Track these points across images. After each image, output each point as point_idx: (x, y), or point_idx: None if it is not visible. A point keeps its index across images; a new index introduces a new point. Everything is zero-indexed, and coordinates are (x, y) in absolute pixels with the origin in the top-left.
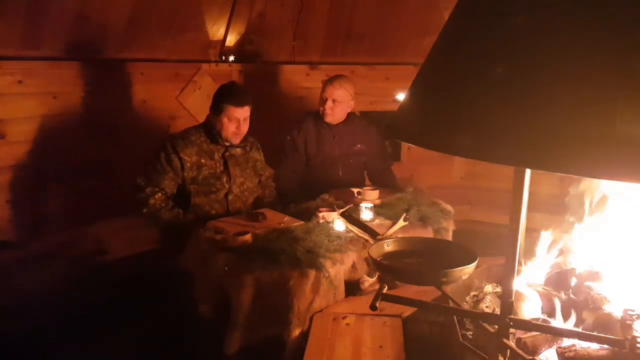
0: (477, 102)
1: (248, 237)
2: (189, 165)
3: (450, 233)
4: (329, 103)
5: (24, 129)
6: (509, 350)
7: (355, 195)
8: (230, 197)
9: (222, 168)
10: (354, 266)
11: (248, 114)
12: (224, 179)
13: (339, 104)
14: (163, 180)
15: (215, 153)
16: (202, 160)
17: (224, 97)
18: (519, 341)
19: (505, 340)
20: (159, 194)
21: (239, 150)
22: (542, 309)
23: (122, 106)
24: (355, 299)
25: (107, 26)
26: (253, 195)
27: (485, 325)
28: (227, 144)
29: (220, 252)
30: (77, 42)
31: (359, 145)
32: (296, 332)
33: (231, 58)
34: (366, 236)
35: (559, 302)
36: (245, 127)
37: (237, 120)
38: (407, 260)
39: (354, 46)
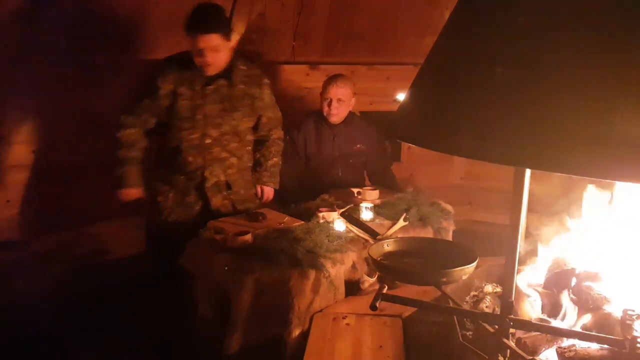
0: (477, 102)
1: (248, 237)
2: (163, 92)
3: (450, 233)
4: (334, 103)
5: (24, 129)
6: (509, 350)
7: (355, 195)
8: (207, 141)
9: (200, 102)
10: (354, 266)
11: (215, 42)
12: (199, 117)
13: (343, 103)
14: (138, 110)
15: (197, 83)
16: (180, 89)
17: (187, 21)
18: (519, 341)
19: (505, 340)
20: (131, 130)
21: (223, 82)
22: (542, 309)
23: (122, 106)
24: (355, 299)
25: (107, 26)
26: (240, 142)
27: (485, 325)
28: (207, 74)
29: (220, 252)
30: (77, 42)
31: (358, 145)
32: (296, 332)
33: None
34: (366, 236)
35: (559, 302)
36: (216, 57)
37: (202, 49)
38: (407, 260)
39: (354, 46)
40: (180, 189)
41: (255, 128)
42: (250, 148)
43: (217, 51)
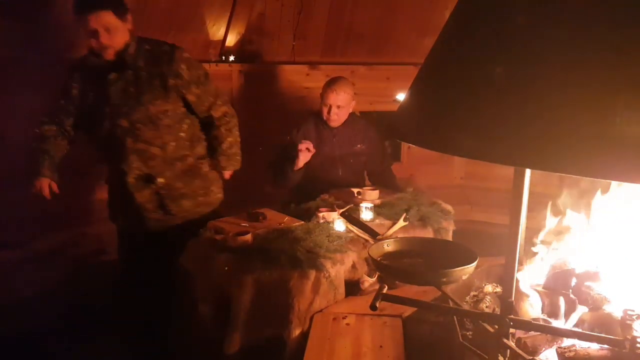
0: (477, 102)
1: (248, 237)
2: (75, 92)
3: (450, 233)
4: (334, 109)
5: (24, 128)
6: (509, 350)
7: (355, 195)
8: (118, 133)
9: (103, 92)
10: (354, 266)
11: (107, 20)
12: (106, 109)
13: (343, 108)
14: (54, 111)
15: (100, 73)
16: (88, 85)
17: (74, 3)
18: (519, 341)
19: (505, 340)
20: (47, 126)
21: (126, 66)
22: (542, 309)
23: None
24: (355, 299)
25: None
26: (157, 130)
27: (485, 325)
28: (107, 58)
29: (220, 252)
30: (77, 42)
31: (358, 145)
32: (296, 332)
33: (231, 58)
34: (366, 236)
35: (560, 302)
36: (111, 39)
37: (95, 30)
38: (407, 260)
39: (354, 46)
40: (113, 188)
41: (192, 112)
42: (182, 135)
43: (112, 31)
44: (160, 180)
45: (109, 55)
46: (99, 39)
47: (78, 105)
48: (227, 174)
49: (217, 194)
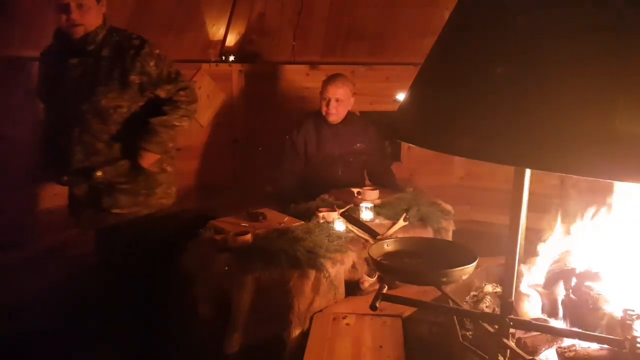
0: (477, 102)
1: (248, 237)
2: (44, 78)
3: (450, 233)
4: (333, 103)
5: (24, 128)
6: (509, 350)
7: (355, 195)
8: (66, 120)
9: (61, 76)
10: (354, 266)
11: None
12: (60, 94)
13: (342, 102)
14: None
15: (63, 57)
16: (50, 69)
17: None
18: (519, 341)
19: (505, 340)
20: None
21: (89, 52)
22: (542, 309)
23: None
24: (355, 299)
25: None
26: (104, 124)
27: (485, 325)
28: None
29: (220, 252)
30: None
31: (358, 145)
32: (296, 332)
33: (231, 58)
34: (366, 236)
35: (559, 302)
36: (83, 16)
37: (66, 4)
38: (407, 260)
39: (354, 46)
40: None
41: (152, 113)
42: (133, 136)
43: (84, 8)
44: (98, 174)
45: (78, 33)
46: (70, 14)
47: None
48: (142, 156)
49: (160, 199)
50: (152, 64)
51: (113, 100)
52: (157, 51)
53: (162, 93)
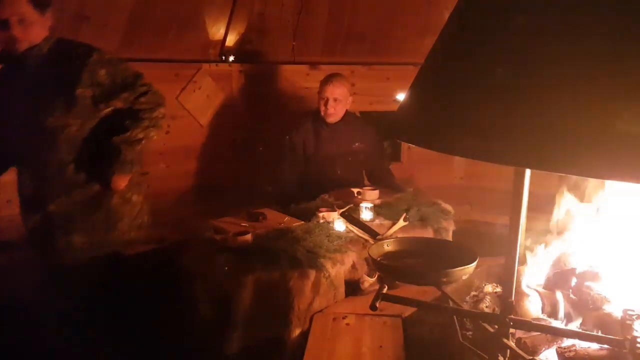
0: (477, 102)
1: (248, 237)
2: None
3: (450, 233)
4: (331, 102)
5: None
6: (509, 350)
7: (355, 195)
8: (16, 143)
9: (8, 95)
10: (354, 266)
11: (22, 10)
12: (9, 114)
13: (340, 102)
14: None
15: (12, 73)
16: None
17: None
18: (519, 341)
19: (505, 340)
20: None
21: (34, 65)
22: (542, 309)
23: None
24: (355, 299)
25: (107, 26)
26: (51, 149)
27: (485, 325)
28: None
29: (220, 252)
30: None
31: (357, 144)
32: (296, 332)
33: (231, 58)
34: (366, 236)
35: (559, 302)
36: (25, 32)
37: (6, 20)
38: (407, 260)
39: (354, 46)
40: None
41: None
42: (87, 158)
43: (25, 23)
44: (51, 207)
45: (21, 48)
46: (11, 30)
47: None
48: (113, 183)
49: (124, 234)
50: (102, 72)
51: (59, 118)
52: (108, 56)
53: (119, 103)
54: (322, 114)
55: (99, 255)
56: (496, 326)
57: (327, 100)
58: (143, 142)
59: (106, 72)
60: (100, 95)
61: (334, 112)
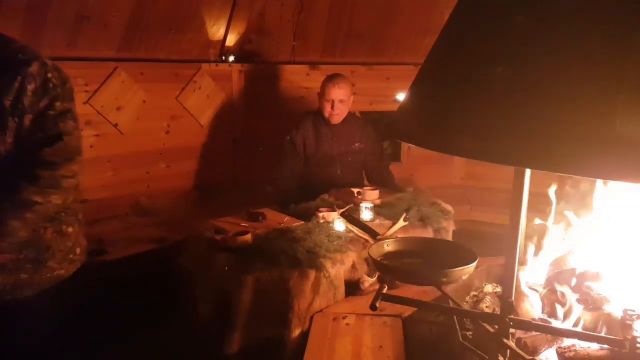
0: (477, 102)
1: (248, 237)
2: None
3: (450, 233)
4: (337, 104)
5: None
6: (509, 350)
7: (355, 195)
8: None
9: None
10: (354, 266)
11: None
12: None
13: (345, 103)
14: None
15: None
16: None
17: None
18: (519, 341)
19: (505, 340)
20: None
21: None
22: (542, 309)
23: (122, 106)
24: (355, 299)
25: (107, 26)
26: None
27: (485, 325)
28: None
29: (220, 252)
30: (77, 42)
31: (357, 144)
32: (296, 332)
33: (231, 58)
34: (366, 236)
35: (559, 302)
36: None
37: None
38: (407, 260)
39: (354, 46)
40: None
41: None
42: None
43: None
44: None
45: None
46: None
47: None
48: None
49: (55, 271)
50: (30, 87)
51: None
52: (50, 74)
53: (27, 122)
54: (327, 115)
55: (19, 298)
56: (496, 326)
57: (333, 102)
58: (37, 206)
59: (33, 91)
60: (20, 111)
61: (340, 113)
